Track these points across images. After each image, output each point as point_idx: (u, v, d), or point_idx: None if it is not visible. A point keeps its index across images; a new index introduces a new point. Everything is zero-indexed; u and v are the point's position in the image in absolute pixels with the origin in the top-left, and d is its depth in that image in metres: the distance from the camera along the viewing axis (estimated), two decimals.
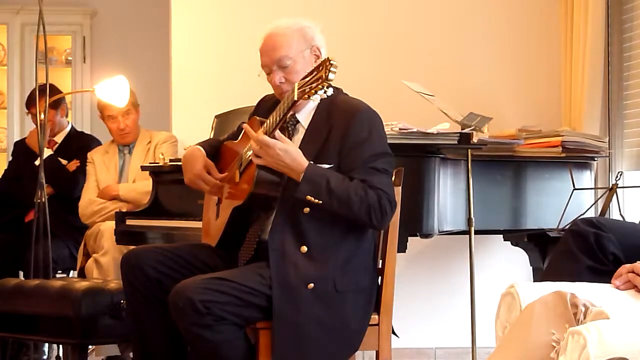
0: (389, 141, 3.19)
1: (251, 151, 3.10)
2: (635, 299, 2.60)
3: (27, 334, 3.96)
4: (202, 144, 3.45)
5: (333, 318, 3.02)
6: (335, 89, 3.17)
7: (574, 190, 4.23)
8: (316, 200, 2.98)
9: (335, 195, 2.98)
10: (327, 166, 3.05)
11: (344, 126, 3.10)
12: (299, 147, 3.06)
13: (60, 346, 4.75)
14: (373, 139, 3.10)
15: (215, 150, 3.43)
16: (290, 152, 2.99)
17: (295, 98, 2.90)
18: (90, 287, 3.76)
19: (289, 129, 3.21)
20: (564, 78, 5.07)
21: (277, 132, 3.01)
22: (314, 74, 2.86)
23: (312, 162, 3.03)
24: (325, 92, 2.84)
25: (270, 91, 3.40)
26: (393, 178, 3.18)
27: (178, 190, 4.53)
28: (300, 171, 2.97)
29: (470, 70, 5.29)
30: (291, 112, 3.07)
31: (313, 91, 2.84)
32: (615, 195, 4.10)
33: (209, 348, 2.93)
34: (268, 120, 3.11)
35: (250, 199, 3.11)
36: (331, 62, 2.81)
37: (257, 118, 3.24)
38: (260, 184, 3.09)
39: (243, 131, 3.35)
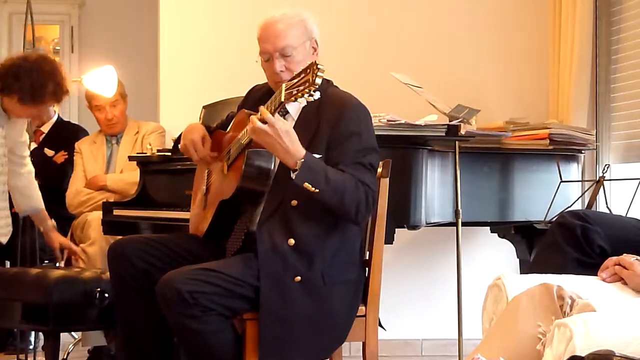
0: (376, 132, 3.19)
1: (242, 141, 3.10)
2: (621, 292, 2.61)
3: (4, 319, 3.98)
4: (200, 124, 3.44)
5: (320, 310, 3.02)
6: (326, 81, 3.17)
7: (561, 182, 4.24)
8: (313, 189, 2.92)
9: (332, 185, 2.95)
10: (317, 156, 3.02)
11: (333, 119, 3.09)
12: None
13: None
14: (362, 134, 3.10)
15: (208, 131, 3.42)
16: (291, 134, 2.93)
17: (282, 99, 2.88)
18: (63, 276, 3.79)
19: None
20: (552, 71, 5.07)
21: (277, 115, 2.93)
22: (301, 76, 2.84)
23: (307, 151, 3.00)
24: (311, 95, 2.81)
25: (259, 81, 3.39)
26: (380, 169, 3.18)
27: (165, 180, 4.52)
28: (299, 157, 2.92)
29: (459, 62, 5.29)
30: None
31: (300, 94, 2.82)
32: (602, 188, 4.11)
33: (196, 338, 2.93)
34: None
35: (238, 193, 3.10)
36: (318, 66, 2.80)
37: (246, 111, 3.23)
38: (248, 178, 3.08)
39: (232, 121, 3.35)
